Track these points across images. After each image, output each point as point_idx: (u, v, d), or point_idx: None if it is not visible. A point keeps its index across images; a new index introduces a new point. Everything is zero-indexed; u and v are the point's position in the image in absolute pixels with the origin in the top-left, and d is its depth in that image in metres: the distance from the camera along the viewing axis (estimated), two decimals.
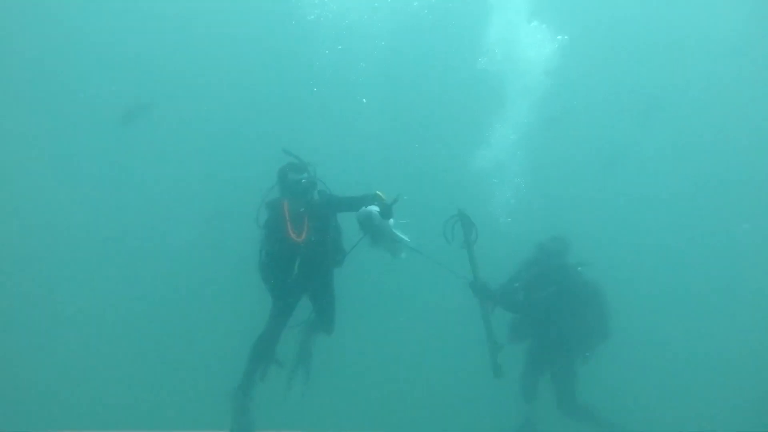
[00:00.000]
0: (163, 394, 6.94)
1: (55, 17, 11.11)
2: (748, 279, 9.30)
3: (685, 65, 11.84)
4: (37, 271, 9.00)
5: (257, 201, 4.53)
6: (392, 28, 10.82)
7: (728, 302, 9.05)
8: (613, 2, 12.09)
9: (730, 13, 11.41)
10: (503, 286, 4.99)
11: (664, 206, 11.09)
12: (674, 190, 11.23)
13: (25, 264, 9.03)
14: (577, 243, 5.05)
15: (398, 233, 4.35)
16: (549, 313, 4.74)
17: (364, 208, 4.16)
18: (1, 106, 10.26)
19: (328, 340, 5.02)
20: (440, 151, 11.07)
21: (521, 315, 4.92)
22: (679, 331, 8.35)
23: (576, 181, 11.35)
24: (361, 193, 4.35)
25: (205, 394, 6.39)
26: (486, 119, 8.86)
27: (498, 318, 4.81)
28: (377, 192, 4.19)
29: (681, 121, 11.79)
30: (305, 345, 5.14)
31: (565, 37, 8.99)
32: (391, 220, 4.23)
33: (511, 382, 4.97)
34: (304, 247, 4.33)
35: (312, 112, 11.34)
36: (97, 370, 7.46)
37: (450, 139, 10.81)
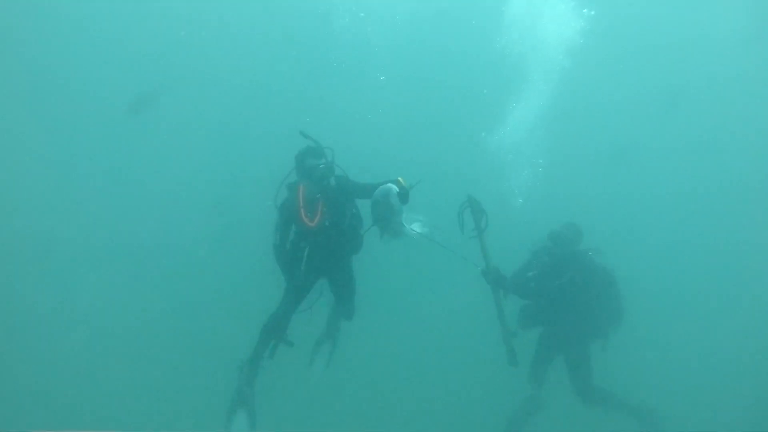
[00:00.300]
0: (167, 394, 6.89)
1: (61, 8, 10.91)
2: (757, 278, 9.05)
3: (716, 59, 11.25)
4: (42, 267, 8.88)
5: (277, 183, 4.54)
6: (411, 7, 10.60)
7: (735, 302, 8.84)
8: None
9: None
10: (516, 274, 4.94)
11: (674, 201, 10.77)
12: (689, 186, 10.86)
13: (31, 259, 8.95)
14: (588, 232, 4.99)
15: (406, 225, 4.32)
16: (564, 300, 4.68)
17: (384, 185, 4.11)
18: (12, 99, 10.24)
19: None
20: (457, 132, 10.90)
21: (535, 303, 4.86)
22: (683, 328, 8.21)
23: (590, 170, 11.05)
24: (379, 181, 4.34)
25: (209, 393, 6.51)
26: (504, 100, 8.70)
27: (510, 304, 4.77)
28: (398, 178, 4.18)
29: (704, 117, 11.26)
30: (332, 321, 5.17)
31: (592, 12, 8.68)
32: (404, 210, 4.23)
33: (521, 366, 4.98)
34: (316, 232, 4.35)
35: (328, 92, 11.17)
36: (101, 369, 7.38)
37: (467, 121, 10.63)
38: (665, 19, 11.28)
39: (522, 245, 5.03)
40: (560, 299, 4.69)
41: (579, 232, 4.88)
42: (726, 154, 11.10)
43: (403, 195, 4.11)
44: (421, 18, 11.24)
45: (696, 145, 11.17)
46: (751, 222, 9.93)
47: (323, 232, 4.37)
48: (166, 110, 10.72)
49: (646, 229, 10.44)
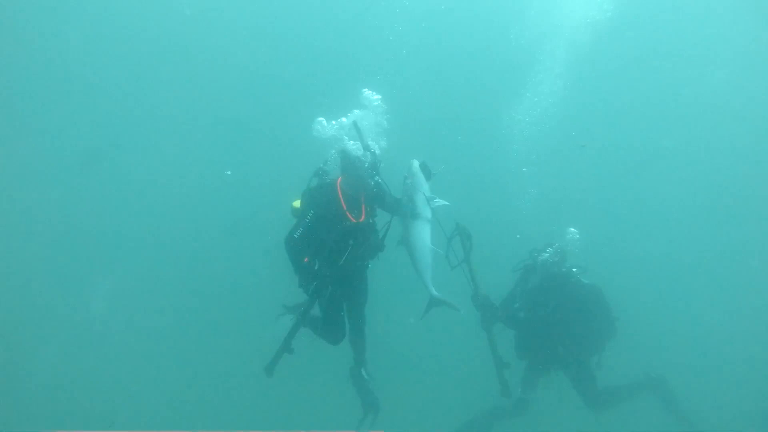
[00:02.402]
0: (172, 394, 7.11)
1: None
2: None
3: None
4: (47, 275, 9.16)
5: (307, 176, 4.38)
6: None
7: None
8: None
9: None
10: (504, 304, 4.95)
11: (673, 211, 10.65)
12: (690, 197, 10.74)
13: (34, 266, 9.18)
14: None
15: (430, 200, 4.32)
16: (556, 327, 4.72)
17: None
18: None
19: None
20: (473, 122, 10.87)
21: (527, 332, 4.86)
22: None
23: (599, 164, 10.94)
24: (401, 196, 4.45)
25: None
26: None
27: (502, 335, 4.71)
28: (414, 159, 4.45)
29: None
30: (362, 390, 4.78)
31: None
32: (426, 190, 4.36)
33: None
34: (362, 228, 4.23)
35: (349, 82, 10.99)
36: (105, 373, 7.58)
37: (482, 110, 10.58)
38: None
39: (538, 240, 5.00)
40: (551, 326, 4.72)
41: (561, 252, 4.83)
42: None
43: (425, 168, 4.39)
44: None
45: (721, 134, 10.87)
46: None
47: (366, 229, 4.26)
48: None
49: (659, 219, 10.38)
